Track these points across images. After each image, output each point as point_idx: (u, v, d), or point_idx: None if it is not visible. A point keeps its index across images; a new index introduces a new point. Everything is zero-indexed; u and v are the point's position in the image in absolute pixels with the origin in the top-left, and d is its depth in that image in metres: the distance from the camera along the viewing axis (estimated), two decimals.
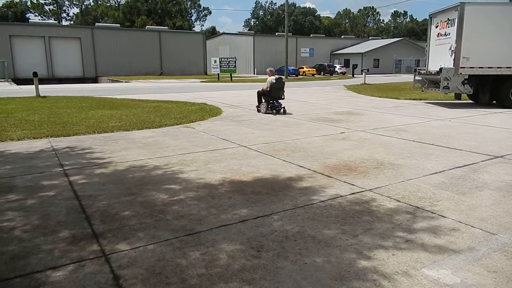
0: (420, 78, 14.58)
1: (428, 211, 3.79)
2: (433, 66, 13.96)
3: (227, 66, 34.01)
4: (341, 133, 8.01)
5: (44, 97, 16.08)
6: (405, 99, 15.45)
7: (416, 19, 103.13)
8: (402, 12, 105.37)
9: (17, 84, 28.75)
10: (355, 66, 45.21)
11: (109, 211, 3.84)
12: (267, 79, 11.41)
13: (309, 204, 3.98)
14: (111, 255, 2.96)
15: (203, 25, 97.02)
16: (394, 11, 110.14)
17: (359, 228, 3.38)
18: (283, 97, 11.43)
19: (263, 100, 11.42)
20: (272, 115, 10.79)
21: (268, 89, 11.13)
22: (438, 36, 13.75)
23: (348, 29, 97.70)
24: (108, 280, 2.63)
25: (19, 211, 3.83)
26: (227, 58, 34.98)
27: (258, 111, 11.48)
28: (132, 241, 3.18)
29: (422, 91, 14.97)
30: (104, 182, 4.76)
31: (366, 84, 26.08)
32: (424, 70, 14.62)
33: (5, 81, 32.77)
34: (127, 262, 2.85)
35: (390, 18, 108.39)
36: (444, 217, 3.65)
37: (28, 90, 20.27)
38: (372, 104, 13.67)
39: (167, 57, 46.72)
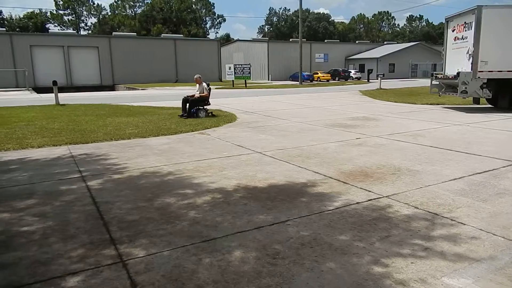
0: (437, 83, 14.36)
1: (447, 218, 3.71)
2: (450, 70, 13.74)
3: (242, 73, 34.19)
4: (357, 138, 7.94)
5: (63, 105, 16.44)
6: (421, 104, 15.23)
7: (432, 23, 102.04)
8: (418, 16, 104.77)
9: (37, 93, 29.51)
10: (370, 71, 44.85)
11: (126, 217, 3.88)
12: (200, 86, 11.85)
13: (325, 210, 3.95)
14: (128, 261, 2.99)
15: (217, 32, 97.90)
16: (410, 15, 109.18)
17: (376, 236, 3.34)
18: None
19: (198, 106, 11.60)
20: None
21: (208, 95, 11.78)
22: (455, 40, 13.55)
23: (363, 34, 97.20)
24: (125, 286, 2.65)
25: (39, 216, 3.91)
26: (241, 65, 35.17)
27: (187, 117, 11.32)
28: (148, 247, 3.20)
29: (439, 95, 14.74)
30: (121, 188, 4.82)
31: (381, 89, 25.84)
32: (441, 74, 14.41)
33: (25, 89, 33.67)
34: (144, 268, 2.87)
35: (406, 22, 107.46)
36: (464, 224, 3.56)
37: (48, 98, 20.76)
38: (388, 109, 13.52)
39: (182, 65, 47.26)
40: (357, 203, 4.16)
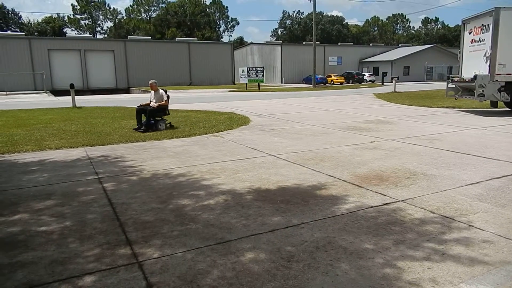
0: (454, 86, 14.15)
1: (464, 223, 3.65)
2: (467, 73, 13.53)
3: (255, 76, 34.27)
4: (371, 142, 7.87)
5: (80, 107, 16.72)
6: (437, 107, 15.02)
7: (448, 25, 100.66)
8: (433, 18, 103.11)
9: (55, 96, 30.11)
10: (384, 74, 44.49)
11: (141, 218, 3.93)
12: (156, 93, 10.15)
13: (340, 214, 3.93)
14: (144, 262, 3.03)
15: (231, 35, 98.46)
16: (425, 17, 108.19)
17: (392, 240, 3.30)
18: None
19: (156, 117, 9.84)
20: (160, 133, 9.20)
21: (167, 103, 10.19)
22: (472, 42, 13.34)
23: (377, 36, 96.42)
24: (141, 286, 2.68)
25: (57, 217, 3.98)
26: (255, 68, 35.26)
27: (145, 130, 9.43)
28: (163, 249, 3.23)
29: (455, 99, 14.52)
30: (137, 190, 4.88)
31: (396, 92, 25.57)
32: (458, 77, 14.19)
33: (43, 92, 34.38)
34: (160, 269, 2.90)
35: (421, 25, 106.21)
36: (482, 230, 3.50)
37: (65, 101, 21.15)
38: (403, 113, 13.38)
39: (196, 68, 47.63)
40: (372, 207, 4.12)
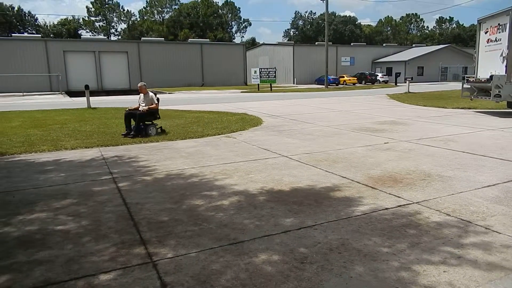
0: (469, 86, 13.92)
1: (481, 226, 3.59)
2: (482, 74, 13.29)
3: (267, 77, 34.26)
4: (385, 143, 7.80)
5: (95, 108, 16.95)
6: (452, 108, 14.80)
7: (463, 25, 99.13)
8: (448, 18, 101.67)
9: (70, 97, 30.60)
10: (398, 75, 44.03)
11: (155, 218, 3.97)
12: (145, 96, 9.53)
13: (353, 216, 3.90)
14: (158, 261, 3.05)
15: (243, 36, 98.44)
16: (439, 17, 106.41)
17: (407, 243, 3.26)
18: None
19: (146, 122, 9.22)
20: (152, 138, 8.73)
21: (158, 106, 9.51)
22: (488, 42, 13.11)
23: (390, 37, 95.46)
24: (155, 285, 2.71)
25: (73, 216, 4.05)
26: (267, 69, 35.26)
27: (134, 136, 8.87)
28: (177, 248, 3.26)
29: (471, 99, 14.27)
30: (150, 190, 4.93)
31: (410, 92, 25.28)
32: (473, 77, 13.96)
33: (59, 93, 34.97)
34: (174, 269, 2.92)
35: (435, 25, 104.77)
36: (499, 233, 3.44)
37: (80, 102, 21.49)
38: (417, 114, 13.22)
39: (208, 68, 47.86)
40: (386, 208, 4.08)
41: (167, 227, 3.73)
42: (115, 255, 3.16)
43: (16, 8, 71.13)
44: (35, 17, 76.11)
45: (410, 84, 27.58)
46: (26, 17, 72.93)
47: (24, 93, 32.77)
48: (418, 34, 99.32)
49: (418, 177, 5.26)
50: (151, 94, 9.56)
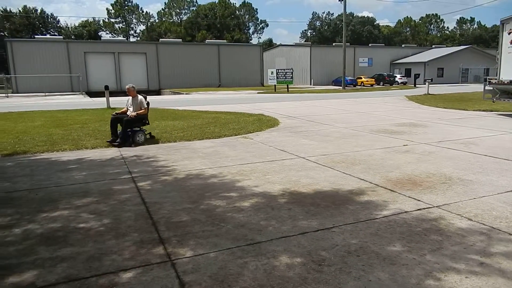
0: (491, 88, 13.59)
1: (505, 232, 3.50)
2: (505, 75, 12.96)
3: (284, 78, 34.19)
4: (404, 145, 7.69)
5: (114, 108, 17.23)
6: (473, 110, 14.47)
7: (484, 25, 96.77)
8: (469, 18, 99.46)
9: (90, 97, 31.22)
10: (417, 76, 43.28)
11: (173, 217, 4.01)
12: (134, 99, 8.63)
13: (372, 219, 3.86)
14: (176, 260, 3.09)
15: (260, 37, 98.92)
16: (460, 17, 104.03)
17: (427, 247, 3.21)
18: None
19: (134, 127, 8.43)
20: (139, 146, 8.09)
21: (147, 111, 8.74)
22: (511, 43, 12.77)
23: (409, 37, 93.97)
24: (174, 284, 2.74)
25: (94, 214, 4.13)
26: (283, 70, 35.17)
27: (121, 143, 8.09)
28: (195, 248, 3.29)
29: (493, 102, 13.93)
30: (168, 189, 4.99)
31: (429, 94, 24.84)
32: (495, 79, 13.62)
33: (79, 94, 35.71)
34: (192, 268, 2.95)
35: (456, 25, 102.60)
36: None
37: (99, 102, 21.89)
38: (436, 116, 12.98)
39: (225, 69, 48.08)
40: (406, 212, 4.02)
41: (185, 226, 3.76)
42: (135, 254, 3.21)
43: (39, 11, 72.98)
44: (57, 19, 77.95)
45: (429, 85, 27.11)
46: (49, 19, 74.73)
47: (46, 94, 33.59)
48: (438, 35, 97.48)
49: (438, 180, 5.17)
50: (140, 97, 8.64)
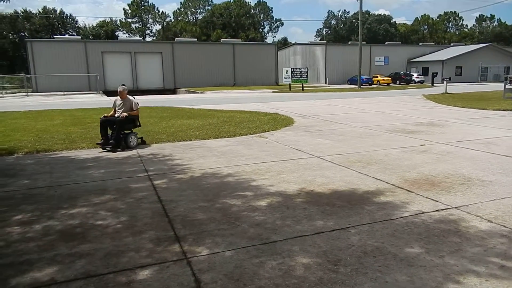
0: None
1: None
2: None
3: (299, 76, 34.06)
4: (421, 145, 7.56)
5: None
6: (493, 110, 14.14)
7: (505, 22, 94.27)
8: (489, 16, 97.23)
9: (107, 96, 31.68)
10: (434, 75, 42.49)
11: (189, 215, 4.04)
12: (125, 101, 8.16)
13: (389, 219, 3.81)
14: (192, 258, 3.11)
15: (275, 36, 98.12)
16: (479, 15, 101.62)
17: (446, 249, 3.15)
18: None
19: (125, 130, 8.01)
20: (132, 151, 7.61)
21: (139, 112, 8.36)
22: None
23: (427, 35, 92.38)
24: (189, 282, 2.76)
25: (111, 212, 4.19)
26: (298, 68, 35.04)
27: (114, 147, 7.64)
28: (211, 246, 3.30)
29: None
30: (184, 188, 5.02)
31: (447, 93, 24.38)
32: None
33: (97, 93, 36.28)
34: (207, 267, 2.97)
35: (475, 23, 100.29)
36: None
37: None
38: (455, 115, 12.73)
39: (240, 68, 48.16)
40: (424, 213, 3.96)
41: (200, 225, 3.79)
42: (151, 251, 3.24)
43: (58, 11, 74.42)
44: (76, 19, 79.45)
45: (447, 84, 26.60)
46: (67, 20, 76.12)
47: (65, 93, 34.23)
48: (457, 33, 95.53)
49: (457, 181, 5.07)
50: (131, 98, 8.28)
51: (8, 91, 36.10)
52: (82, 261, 3.09)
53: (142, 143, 8.24)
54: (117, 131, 7.76)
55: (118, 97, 8.28)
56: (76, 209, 4.30)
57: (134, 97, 8.42)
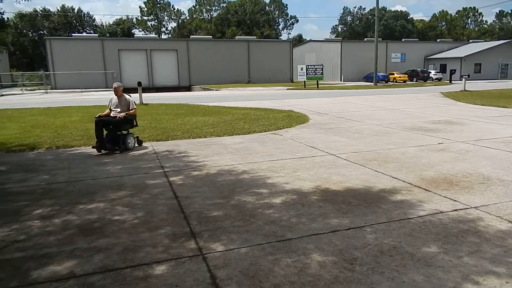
0: None
1: None
2: None
3: (314, 73, 33.85)
4: (439, 143, 7.44)
5: (146, 104, 17.64)
6: None
7: None
8: (509, 11, 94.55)
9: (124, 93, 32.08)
10: (453, 72, 41.69)
11: (204, 212, 4.07)
12: (121, 99, 7.82)
13: (405, 218, 3.76)
14: (207, 254, 3.13)
15: (290, 33, 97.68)
16: (499, 10, 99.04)
17: (464, 249, 3.10)
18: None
19: (122, 131, 7.57)
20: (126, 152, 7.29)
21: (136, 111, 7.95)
22: None
23: (445, 32, 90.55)
24: (205, 278, 2.78)
25: (128, 207, 4.25)
26: (313, 65, 34.83)
27: (111, 148, 7.28)
28: (226, 243, 3.32)
29: None
30: (199, 184, 5.06)
31: (466, 91, 23.90)
32: None
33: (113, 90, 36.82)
34: (223, 263, 2.98)
35: (495, 19, 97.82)
36: None
37: (133, 98, 22.40)
38: (474, 113, 12.47)
39: (254, 66, 48.12)
40: (441, 212, 3.90)
41: (215, 221, 3.81)
42: (167, 247, 3.28)
43: (76, 9, 75.63)
44: (93, 17, 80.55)
45: (466, 81, 26.07)
46: (85, 18, 77.29)
47: (83, 90, 34.82)
48: (476, 29, 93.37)
49: (476, 180, 4.97)
50: (127, 96, 7.93)
51: (28, 88, 36.92)
52: (100, 255, 3.14)
53: (138, 143, 7.87)
54: (114, 132, 7.35)
55: (114, 95, 7.88)
56: (93, 204, 4.37)
57: (130, 95, 8.05)
